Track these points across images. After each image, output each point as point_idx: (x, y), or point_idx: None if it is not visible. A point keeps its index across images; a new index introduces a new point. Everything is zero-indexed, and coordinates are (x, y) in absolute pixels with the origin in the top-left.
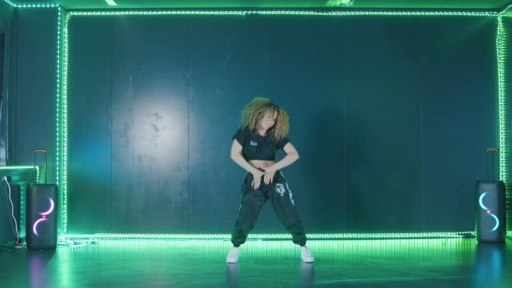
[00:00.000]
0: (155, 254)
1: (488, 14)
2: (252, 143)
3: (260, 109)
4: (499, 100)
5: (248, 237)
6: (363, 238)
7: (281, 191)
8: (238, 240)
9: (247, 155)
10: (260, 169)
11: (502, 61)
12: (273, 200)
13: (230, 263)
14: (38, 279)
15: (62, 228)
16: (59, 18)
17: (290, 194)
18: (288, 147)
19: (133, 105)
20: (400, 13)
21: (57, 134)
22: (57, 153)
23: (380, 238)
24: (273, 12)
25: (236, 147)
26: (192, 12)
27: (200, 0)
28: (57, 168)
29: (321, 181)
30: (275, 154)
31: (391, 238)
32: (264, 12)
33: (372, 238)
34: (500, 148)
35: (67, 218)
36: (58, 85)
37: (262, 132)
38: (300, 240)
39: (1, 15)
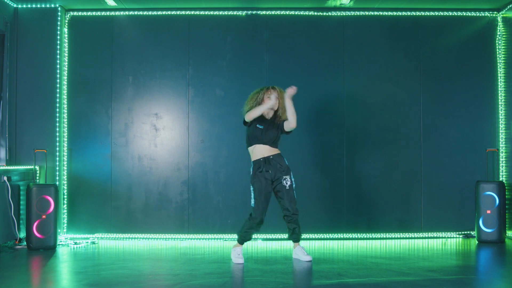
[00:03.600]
0: (155, 254)
1: (488, 14)
2: (258, 126)
3: (256, 98)
4: (499, 100)
5: None
6: (363, 238)
7: (287, 184)
8: (251, 233)
9: (252, 139)
10: (265, 158)
11: (502, 61)
12: (278, 190)
13: (238, 264)
14: (38, 279)
15: (62, 228)
16: (59, 18)
17: (294, 185)
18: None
19: (133, 105)
20: (400, 13)
21: (57, 134)
22: (57, 153)
23: (380, 238)
24: (273, 12)
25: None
26: (192, 12)
27: (200, 0)
28: (57, 168)
29: (321, 181)
30: (279, 143)
31: (391, 238)
32: (264, 12)
33: (372, 238)
34: (500, 148)
35: (67, 218)
36: (58, 85)
37: (269, 116)
38: (295, 234)
39: (1, 15)
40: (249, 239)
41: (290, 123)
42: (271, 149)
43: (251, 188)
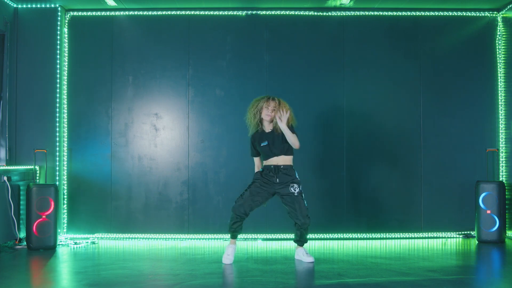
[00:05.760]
0: (155, 254)
1: (488, 14)
2: (262, 144)
3: (256, 106)
4: (499, 100)
5: (248, 237)
6: (363, 238)
7: (295, 190)
8: (235, 224)
9: (264, 156)
10: (278, 166)
11: (502, 61)
12: (285, 198)
13: (226, 264)
14: (38, 279)
15: (62, 228)
16: (59, 18)
17: (303, 195)
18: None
19: (133, 105)
20: (400, 13)
21: (57, 134)
22: (57, 153)
23: (380, 238)
24: (273, 12)
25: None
26: (192, 12)
27: (200, 0)
28: (57, 168)
29: (321, 181)
30: (293, 150)
31: (391, 238)
32: (264, 12)
33: (372, 238)
34: (500, 148)
35: (67, 218)
36: (58, 85)
37: (269, 128)
38: (301, 240)
39: (1, 15)
40: (235, 231)
41: (293, 146)
42: (284, 158)
43: (251, 182)
